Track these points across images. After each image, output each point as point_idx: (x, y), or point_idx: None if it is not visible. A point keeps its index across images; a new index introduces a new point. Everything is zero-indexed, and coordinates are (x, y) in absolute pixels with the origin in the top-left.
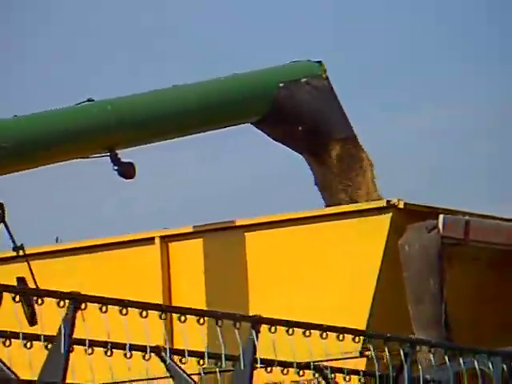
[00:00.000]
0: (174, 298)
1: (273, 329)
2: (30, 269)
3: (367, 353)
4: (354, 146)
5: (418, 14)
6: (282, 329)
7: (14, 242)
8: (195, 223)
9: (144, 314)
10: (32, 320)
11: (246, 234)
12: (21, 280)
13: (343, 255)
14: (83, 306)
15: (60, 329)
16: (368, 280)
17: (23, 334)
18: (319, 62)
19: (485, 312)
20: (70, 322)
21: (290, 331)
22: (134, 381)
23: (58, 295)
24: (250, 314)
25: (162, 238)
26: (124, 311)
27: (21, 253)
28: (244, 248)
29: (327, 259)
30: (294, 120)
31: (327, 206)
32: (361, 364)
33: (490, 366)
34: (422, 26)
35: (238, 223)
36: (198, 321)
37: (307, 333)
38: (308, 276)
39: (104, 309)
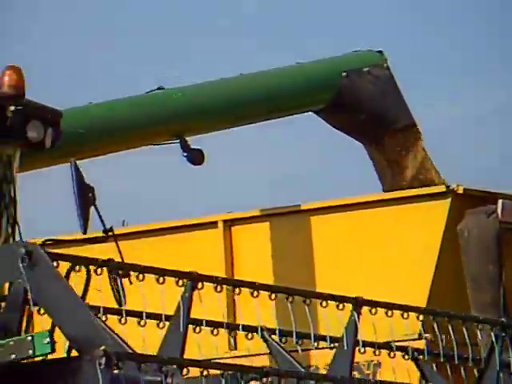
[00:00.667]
0: None
1: (373, 310)
2: (119, 251)
3: (427, 335)
4: (412, 135)
5: (418, 13)
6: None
7: (103, 225)
8: (260, 207)
9: (255, 293)
10: (121, 300)
11: (311, 218)
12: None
13: (403, 240)
14: (200, 285)
15: (179, 307)
16: (427, 265)
17: (146, 312)
18: (380, 51)
19: None
20: (188, 301)
21: (390, 313)
22: (237, 357)
23: (179, 274)
24: None
25: (225, 221)
26: (237, 291)
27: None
28: (309, 232)
29: (388, 243)
30: (355, 109)
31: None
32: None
33: None
34: (422, 25)
35: (302, 207)
36: (304, 301)
37: (405, 315)
38: (370, 260)
39: (219, 288)
